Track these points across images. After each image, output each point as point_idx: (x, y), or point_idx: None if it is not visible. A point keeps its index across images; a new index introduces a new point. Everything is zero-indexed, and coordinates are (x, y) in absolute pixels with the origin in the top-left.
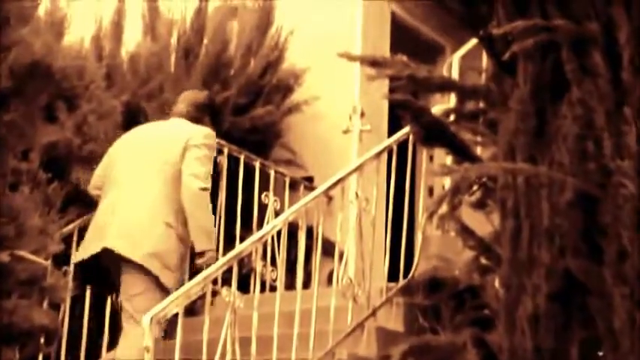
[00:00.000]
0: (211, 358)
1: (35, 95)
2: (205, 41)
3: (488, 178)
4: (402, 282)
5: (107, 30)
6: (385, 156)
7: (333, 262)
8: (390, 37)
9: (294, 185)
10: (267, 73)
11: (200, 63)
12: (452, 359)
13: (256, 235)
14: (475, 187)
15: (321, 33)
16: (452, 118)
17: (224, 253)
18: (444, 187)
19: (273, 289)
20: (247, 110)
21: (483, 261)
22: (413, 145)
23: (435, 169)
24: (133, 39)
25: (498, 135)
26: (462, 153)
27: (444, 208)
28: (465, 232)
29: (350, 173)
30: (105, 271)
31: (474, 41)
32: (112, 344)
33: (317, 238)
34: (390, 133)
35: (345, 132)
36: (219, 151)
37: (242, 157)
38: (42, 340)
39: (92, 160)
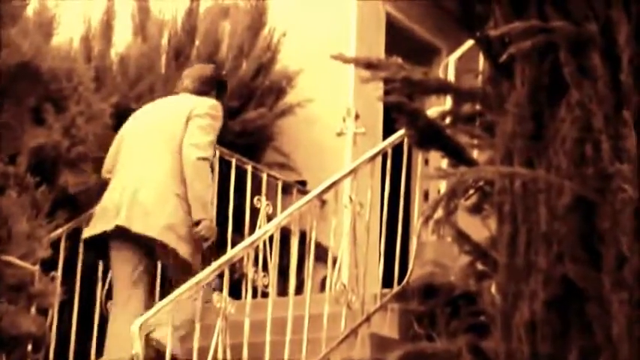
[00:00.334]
0: None
1: (23, 97)
2: (196, 42)
3: (484, 183)
4: (396, 288)
5: (96, 30)
6: (380, 159)
7: (326, 268)
8: (384, 39)
9: (286, 189)
10: (259, 75)
11: (191, 64)
12: None
13: (248, 240)
14: (471, 192)
15: (314, 34)
16: (448, 120)
17: (215, 258)
18: (439, 191)
19: (265, 295)
20: (239, 113)
21: (479, 267)
22: (408, 149)
23: (431, 172)
24: (122, 40)
25: (495, 138)
26: (458, 156)
27: (439, 213)
28: (461, 237)
29: (344, 177)
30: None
31: (470, 43)
32: (100, 350)
33: (310, 243)
34: (385, 136)
35: (339, 135)
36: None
37: (234, 161)
38: (29, 347)
39: (81, 163)
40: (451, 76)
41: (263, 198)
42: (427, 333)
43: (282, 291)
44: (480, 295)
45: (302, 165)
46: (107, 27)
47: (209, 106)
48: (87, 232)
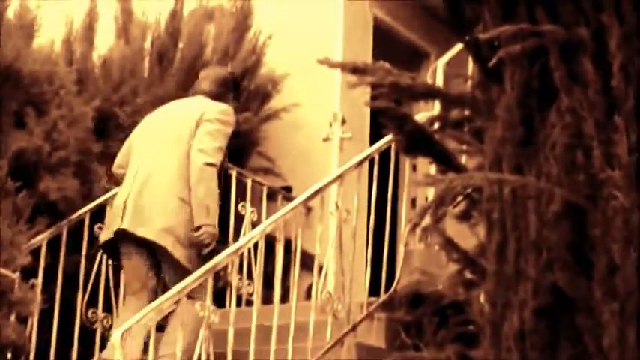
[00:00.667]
0: None
1: (4, 101)
2: (180, 45)
3: (473, 189)
4: (383, 296)
5: (78, 33)
6: (367, 165)
7: (312, 276)
8: (372, 43)
9: (271, 195)
10: (244, 78)
11: (175, 68)
12: None
13: (232, 248)
14: (460, 198)
15: (300, 37)
16: (436, 126)
17: (199, 266)
18: (427, 198)
19: (249, 303)
20: None
21: (468, 275)
22: (395, 155)
23: (419, 179)
24: (105, 42)
25: (484, 144)
26: (447, 163)
27: (427, 220)
28: (449, 244)
29: (330, 183)
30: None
31: (459, 47)
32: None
33: (295, 251)
34: (372, 141)
35: (325, 140)
36: None
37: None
38: (9, 355)
39: (62, 169)
40: (439, 81)
41: (248, 204)
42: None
43: (267, 299)
44: (469, 304)
45: (287, 171)
46: (89, 29)
47: (219, 111)
48: (102, 237)
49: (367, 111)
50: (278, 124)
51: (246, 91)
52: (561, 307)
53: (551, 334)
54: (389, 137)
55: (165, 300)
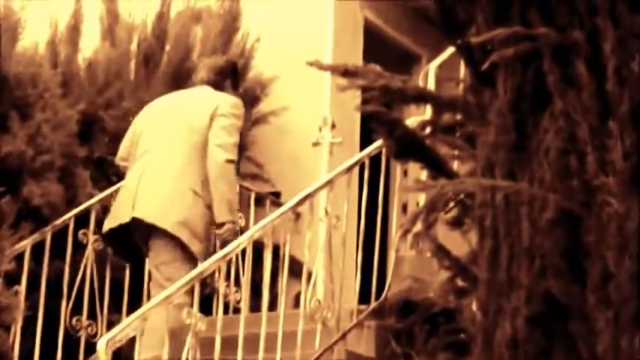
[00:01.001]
0: None
1: None
2: (167, 47)
3: (465, 195)
4: (373, 304)
5: (63, 34)
6: (357, 170)
7: (300, 283)
8: (362, 46)
9: (260, 201)
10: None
11: (161, 70)
12: None
13: (220, 254)
14: (451, 204)
15: (289, 40)
16: (427, 130)
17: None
18: (418, 203)
19: (237, 311)
20: None
21: (459, 282)
22: (386, 160)
23: (410, 184)
24: (90, 44)
25: (476, 149)
26: (438, 168)
27: (418, 226)
28: (441, 251)
29: (319, 188)
30: (132, 242)
31: (451, 50)
32: None
33: (284, 258)
34: (362, 146)
35: (315, 145)
36: None
37: None
38: None
39: (46, 173)
40: (431, 85)
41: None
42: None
43: (255, 307)
44: (460, 312)
45: (276, 176)
46: (74, 31)
47: (231, 104)
48: (106, 226)
49: (357, 115)
50: (266, 128)
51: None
52: (555, 315)
53: (545, 343)
54: (379, 142)
55: (149, 308)
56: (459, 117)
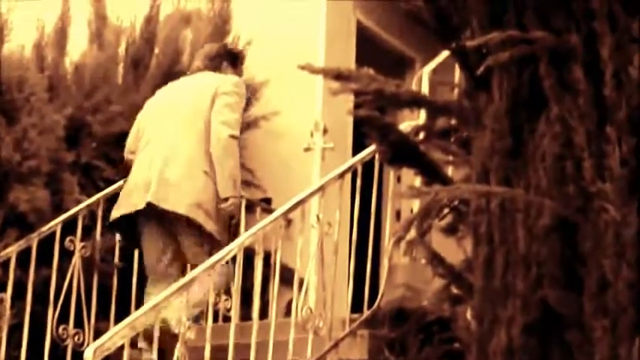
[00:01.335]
0: None
1: None
2: (156, 51)
3: (460, 202)
4: (366, 313)
5: (50, 37)
6: (349, 176)
7: (292, 291)
8: (355, 49)
9: (250, 207)
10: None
11: (150, 74)
12: None
13: (209, 262)
14: (446, 211)
15: (281, 43)
16: (421, 136)
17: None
18: (412, 210)
19: (227, 319)
20: None
21: (454, 290)
22: (379, 165)
23: (403, 191)
24: (77, 47)
25: (471, 155)
26: (432, 174)
27: (412, 234)
28: (435, 259)
29: (311, 195)
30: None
31: (445, 54)
32: None
33: (275, 265)
34: (355, 151)
35: (307, 150)
36: None
37: None
38: None
39: (33, 179)
40: (425, 89)
41: None
42: None
43: (245, 315)
44: (455, 321)
45: (267, 182)
46: (61, 34)
47: (233, 83)
48: (114, 214)
49: (350, 120)
50: (257, 133)
51: None
52: (551, 324)
53: (541, 353)
54: (372, 147)
55: (138, 316)
56: (453, 122)
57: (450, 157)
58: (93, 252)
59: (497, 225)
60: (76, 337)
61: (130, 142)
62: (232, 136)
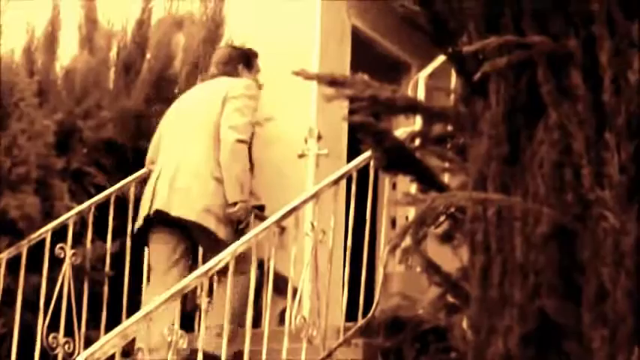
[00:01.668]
0: None
1: None
2: (148, 56)
3: (456, 209)
4: (361, 321)
5: (40, 42)
6: (344, 183)
7: (285, 299)
8: (350, 54)
9: None
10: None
11: (142, 79)
12: None
13: (202, 269)
14: (442, 219)
15: (274, 48)
16: (417, 142)
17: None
18: (407, 217)
19: None
20: None
21: (450, 299)
22: (374, 172)
23: (399, 198)
24: (68, 52)
25: (468, 161)
26: (428, 181)
27: (407, 241)
28: (431, 267)
29: (305, 202)
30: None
31: (442, 59)
32: None
33: (268, 273)
34: (350, 158)
35: (301, 156)
36: None
37: None
38: None
39: (22, 185)
40: (421, 95)
41: None
42: None
43: (239, 324)
44: (451, 330)
45: (260, 188)
46: (52, 38)
47: (244, 86)
48: (136, 225)
49: (345, 126)
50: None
51: None
52: (549, 334)
53: None
54: (367, 154)
55: (129, 325)
56: (449, 128)
57: (447, 164)
58: (83, 260)
59: (494, 233)
60: (67, 346)
61: (150, 152)
62: (240, 141)
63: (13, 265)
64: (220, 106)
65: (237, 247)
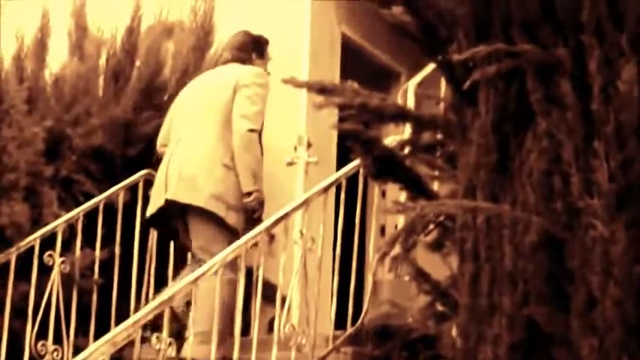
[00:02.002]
0: None
1: None
2: (137, 63)
3: (445, 217)
4: (350, 330)
5: (29, 49)
6: (333, 191)
7: (274, 308)
8: (340, 62)
9: None
10: None
11: (131, 87)
12: None
13: (190, 277)
14: (431, 227)
15: None
16: (406, 150)
17: (155, 296)
18: (397, 226)
19: None
20: None
21: (439, 307)
22: (364, 180)
23: (388, 206)
24: (57, 59)
25: (457, 169)
26: (418, 189)
27: (396, 249)
28: (420, 275)
29: (294, 209)
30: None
31: (431, 67)
32: None
33: (257, 281)
34: (339, 165)
35: (290, 164)
36: (151, 184)
37: None
38: None
39: (11, 192)
40: (411, 103)
41: None
42: None
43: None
44: (440, 338)
45: None
46: (41, 45)
47: (254, 74)
48: (148, 212)
49: (334, 134)
50: None
51: None
52: (538, 342)
53: None
54: (357, 162)
55: (118, 332)
56: (439, 136)
57: (436, 172)
58: (72, 267)
59: (483, 241)
60: (55, 354)
61: (161, 136)
62: (252, 130)
63: (1, 272)
64: (231, 93)
65: (226, 254)
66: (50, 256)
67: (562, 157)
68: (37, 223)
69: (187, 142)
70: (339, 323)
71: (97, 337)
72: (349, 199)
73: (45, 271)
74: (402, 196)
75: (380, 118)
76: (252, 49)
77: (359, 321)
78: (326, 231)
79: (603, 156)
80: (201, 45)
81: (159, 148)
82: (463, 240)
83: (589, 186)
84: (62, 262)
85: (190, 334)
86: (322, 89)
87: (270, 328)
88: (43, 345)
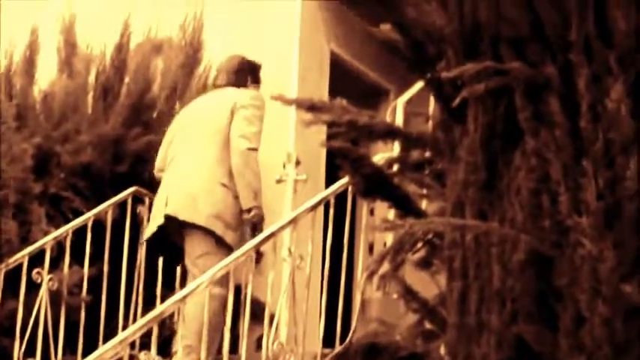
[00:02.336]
0: None
1: None
2: (126, 80)
3: (434, 235)
4: (338, 348)
5: (18, 66)
6: (322, 209)
7: (262, 326)
8: (329, 80)
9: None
10: None
11: (120, 103)
12: None
13: (179, 295)
14: (420, 245)
15: None
16: (395, 168)
17: (143, 314)
18: (385, 243)
19: None
20: None
21: (427, 326)
22: (352, 198)
23: (376, 223)
24: (46, 76)
25: (446, 187)
26: (406, 207)
27: (385, 267)
28: (408, 293)
29: (283, 227)
30: (173, 242)
31: (420, 85)
32: None
33: (245, 299)
34: (328, 183)
35: (278, 182)
36: (140, 201)
37: None
38: None
39: (1, 209)
40: (399, 120)
41: None
42: None
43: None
44: (428, 357)
45: None
46: (30, 62)
47: (252, 96)
48: (146, 234)
49: (323, 151)
50: None
51: None
52: None
53: None
54: (345, 179)
55: (106, 350)
56: (427, 154)
57: (424, 190)
58: (60, 284)
59: (471, 259)
60: None
61: (158, 161)
62: (251, 149)
63: None
64: (229, 115)
65: (214, 272)
66: (38, 273)
67: (550, 175)
68: (25, 239)
69: (187, 163)
70: (328, 341)
71: (84, 354)
72: (338, 216)
73: (33, 288)
74: (391, 214)
75: (369, 136)
76: (247, 73)
77: (347, 339)
78: (314, 249)
79: (592, 174)
80: (190, 62)
81: (156, 173)
82: (451, 258)
83: (577, 204)
84: (50, 280)
85: (178, 348)
86: (311, 106)
87: (259, 345)
88: None
